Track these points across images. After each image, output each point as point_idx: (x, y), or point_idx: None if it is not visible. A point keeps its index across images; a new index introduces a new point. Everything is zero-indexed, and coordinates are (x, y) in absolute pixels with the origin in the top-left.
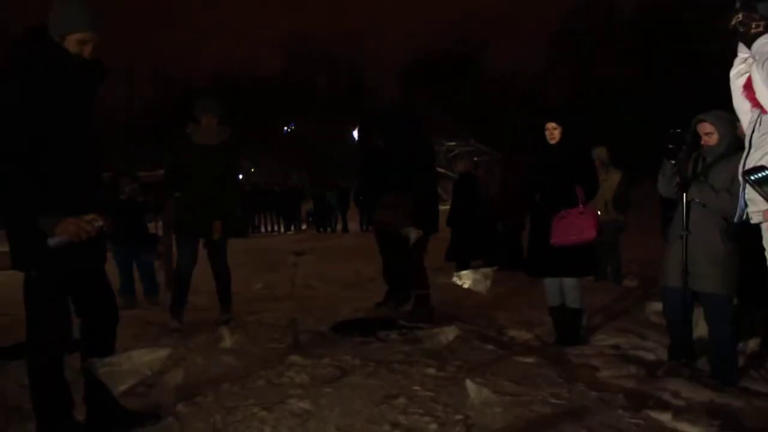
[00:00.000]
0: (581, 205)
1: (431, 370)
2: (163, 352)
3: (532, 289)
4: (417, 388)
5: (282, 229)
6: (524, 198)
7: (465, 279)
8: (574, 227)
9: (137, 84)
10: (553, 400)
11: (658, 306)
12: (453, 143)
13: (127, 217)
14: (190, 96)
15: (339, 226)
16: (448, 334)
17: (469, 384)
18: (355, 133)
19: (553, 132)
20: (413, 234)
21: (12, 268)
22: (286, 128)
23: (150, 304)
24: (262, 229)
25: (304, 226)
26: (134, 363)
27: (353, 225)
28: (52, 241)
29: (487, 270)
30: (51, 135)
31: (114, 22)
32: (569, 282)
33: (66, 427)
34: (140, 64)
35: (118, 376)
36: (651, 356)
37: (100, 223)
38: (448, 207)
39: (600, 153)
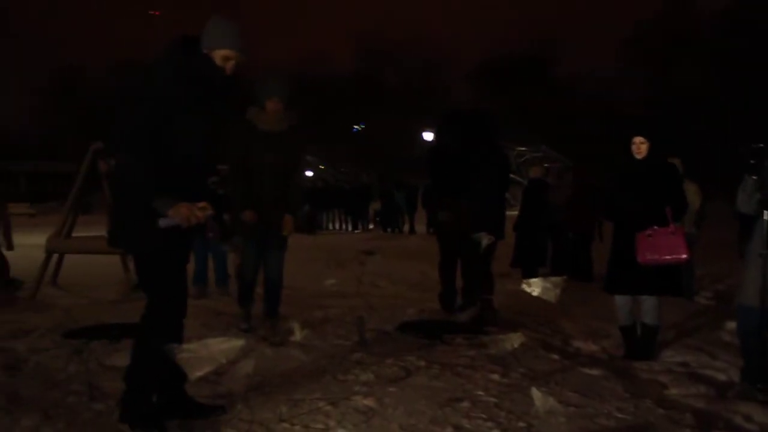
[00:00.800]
0: (672, 225)
1: (495, 376)
2: (237, 342)
3: (599, 300)
4: (481, 392)
5: (349, 228)
6: (596, 209)
7: (534, 287)
8: (667, 247)
9: None
10: (619, 415)
11: (731, 324)
12: (523, 148)
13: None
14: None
15: (406, 227)
16: (514, 340)
17: (535, 392)
18: (427, 134)
19: (641, 147)
20: (485, 239)
21: (118, 247)
22: (355, 127)
23: (220, 294)
24: (330, 227)
25: (371, 226)
26: (210, 350)
27: (420, 226)
28: (162, 222)
29: (557, 279)
30: (179, 131)
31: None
32: (651, 300)
33: (149, 412)
34: None
35: (195, 362)
36: (722, 376)
37: (210, 211)
38: (515, 212)
39: (676, 164)
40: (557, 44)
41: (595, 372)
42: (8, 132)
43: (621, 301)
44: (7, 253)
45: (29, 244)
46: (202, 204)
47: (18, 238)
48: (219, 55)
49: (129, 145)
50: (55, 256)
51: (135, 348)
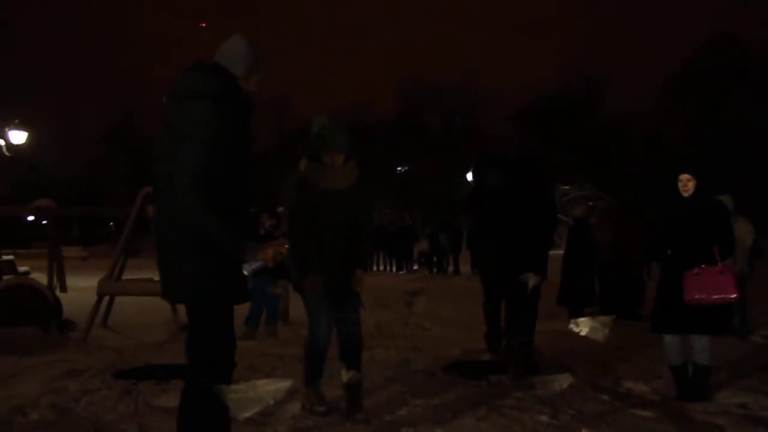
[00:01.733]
0: (720, 263)
1: (544, 417)
2: (285, 384)
3: (649, 340)
4: None
5: (394, 269)
6: (645, 249)
7: (582, 326)
8: (715, 286)
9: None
10: None
11: None
12: (567, 187)
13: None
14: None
15: (450, 268)
16: (562, 381)
17: None
18: (470, 175)
19: (687, 184)
20: (533, 280)
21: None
22: (399, 168)
23: (268, 334)
24: (374, 268)
25: (416, 267)
26: (259, 391)
27: (465, 267)
28: (248, 267)
29: (606, 318)
30: (230, 163)
31: None
32: (702, 340)
33: None
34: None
35: (244, 403)
36: None
37: (288, 244)
38: (560, 252)
39: (725, 200)
40: (601, 82)
41: (647, 413)
42: (62, 177)
43: (669, 340)
44: (60, 295)
45: (81, 287)
46: (279, 240)
47: (71, 281)
48: (255, 80)
49: (198, 195)
50: (106, 299)
51: (184, 391)
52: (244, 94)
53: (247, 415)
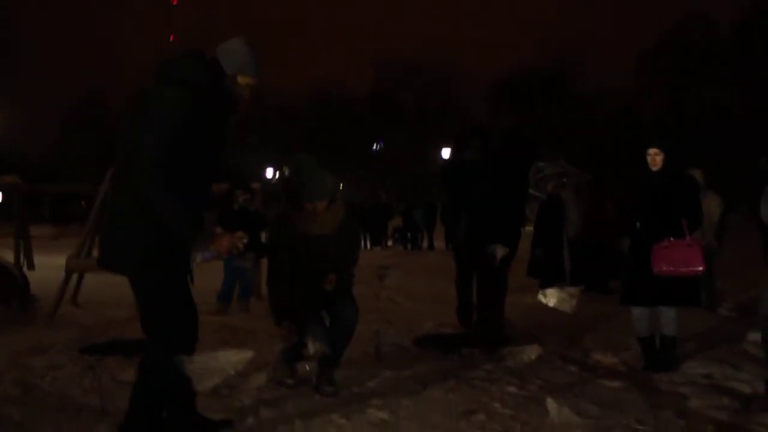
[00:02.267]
0: (688, 237)
1: (512, 388)
2: (248, 354)
3: (618, 312)
4: (497, 405)
5: (369, 245)
6: (612, 222)
7: (550, 297)
8: (683, 259)
9: None
10: (638, 426)
11: (756, 336)
12: (543, 164)
13: (240, 226)
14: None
15: (425, 243)
16: (531, 353)
17: (551, 402)
18: (444, 152)
19: (655, 158)
20: (500, 251)
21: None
22: (375, 146)
23: (240, 309)
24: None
25: (390, 243)
26: (220, 362)
27: (439, 243)
28: (201, 257)
29: (573, 289)
30: (196, 152)
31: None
32: (669, 311)
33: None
34: None
35: (205, 374)
36: (747, 388)
37: (246, 239)
38: (531, 228)
39: (696, 175)
40: (575, 59)
41: (614, 384)
42: (32, 156)
43: (638, 312)
44: (29, 273)
45: (51, 265)
46: (239, 234)
47: (41, 259)
48: (243, 80)
49: (155, 176)
50: (75, 276)
51: (143, 363)
52: (228, 89)
53: (208, 385)
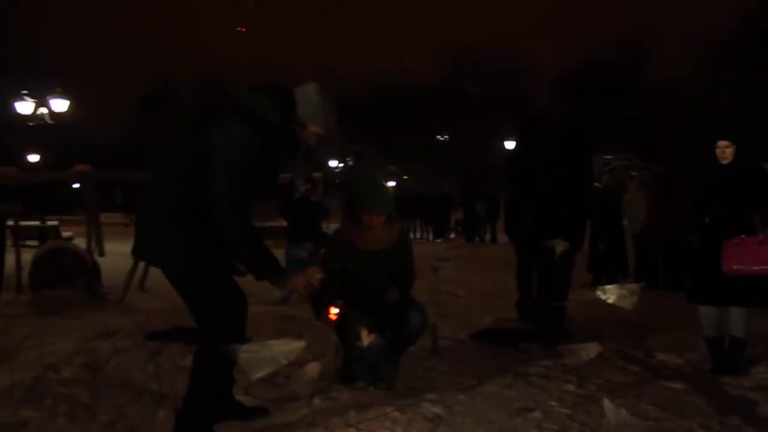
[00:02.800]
0: (761, 233)
1: (570, 387)
2: (300, 344)
3: (685, 311)
4: (554, 403)
5: (431, 237)
6: (680, 217)
7: (609, 294)
8: (755, 256)
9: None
10: None
11: None
12: (610, 156)
13: (301, 215)
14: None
15: (488, 236)
16: (591, 351)
17: (607, 403)
18: (508, 143)
19: (725, 150)
20: (560, 246)
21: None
22: (439, 137)
23: (300, 299)
24: (411, 236)
25: (452, 235)
26: (272, 351)
27: (502, 236)
28: (278, 294)
29: (635, 286)
30: (252, 187)
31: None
32: (740, 311)
33: (211, 414)
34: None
35: (256, 363)
36: None
37: (321, 275)
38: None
39: None
40: (644, 49)
41: (677, 386)
42: (105, 144)
43: (706, 311)
44: (99, 260)
45: (122, 252)
46: (314, 270)
47: (112, 246)
48: (312, 128)
49: (239, 219)
50: (143, 263)
51: (196, 351)
52: (293, 136)
53: (260, 374)
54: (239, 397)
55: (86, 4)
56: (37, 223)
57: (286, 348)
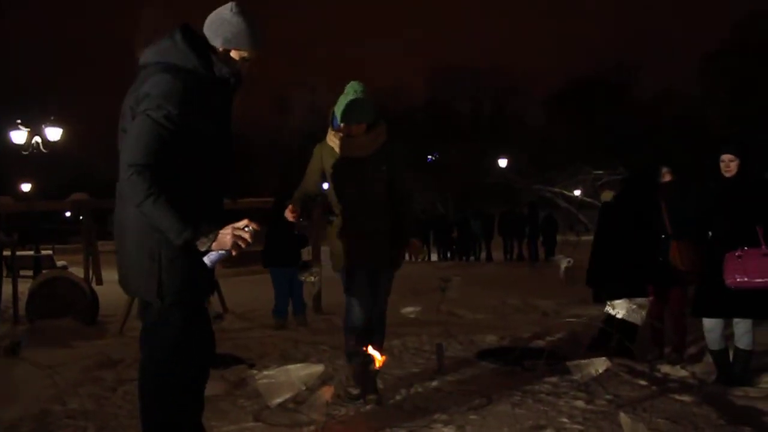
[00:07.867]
0: (764, 245)
1: (580, 403)
2: (318, 368)
3: (689, 323)
4: (565, 420)
5: (429, 258)
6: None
7: (618, 308)
8: (758, 269)
9: (292, 112)
10: None
11: None
12: (601, 171)
13: (287, 237)
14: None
15: (483, 254)
16: (599, 366)
17: (623, 417)
18: (502, 161)
19: (730, 164)
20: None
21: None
22: (429, 156)
23: (298, 324)
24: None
25: (448, 255)
26: (290, 377)
27: (497, 254)
28: (210, 258)
29: (642, 300)
30: (200, 145)
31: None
32: (743, 324)
33: None
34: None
35: (276, 388)
36: None
37: (254, 226)
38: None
39: None
40: (635, 64)
41: (686, 398)
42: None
43: (710, 324)
44: (97, 288)
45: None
46: (242, 222)
47: (109, 275)
48: (238, 54)
49: (147, 176)
50: None
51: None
52: (223, 69)
53: (279, 401)
54: (249, 423)
55: (80, 39)
56: (31, 252)
57: (303, 373)
